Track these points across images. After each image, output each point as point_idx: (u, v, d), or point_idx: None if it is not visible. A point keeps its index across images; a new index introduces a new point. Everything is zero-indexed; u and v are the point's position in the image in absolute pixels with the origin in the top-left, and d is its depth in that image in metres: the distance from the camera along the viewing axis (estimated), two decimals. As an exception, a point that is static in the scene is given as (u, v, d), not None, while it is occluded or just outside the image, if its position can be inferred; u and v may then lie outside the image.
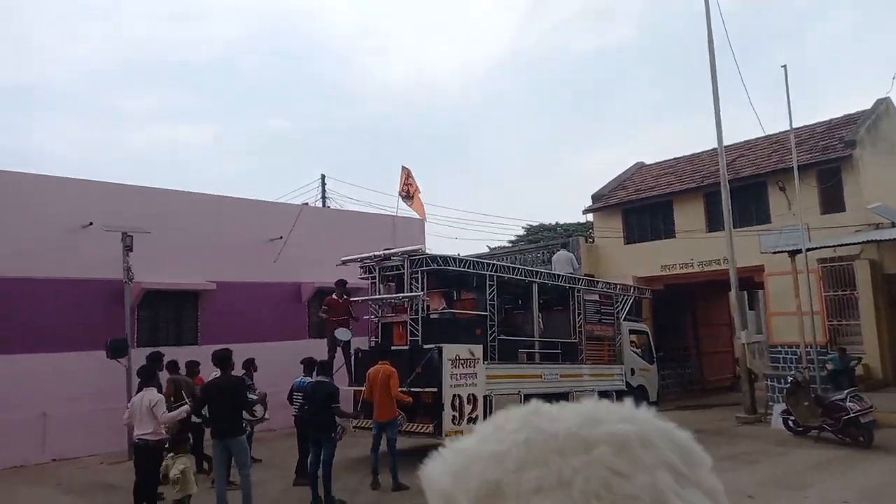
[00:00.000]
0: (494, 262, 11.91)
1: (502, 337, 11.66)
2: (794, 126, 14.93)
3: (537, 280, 12.48)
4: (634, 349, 14.50)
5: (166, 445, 7.75)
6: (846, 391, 11.01)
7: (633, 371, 14.11)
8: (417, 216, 17.07)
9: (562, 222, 32.91)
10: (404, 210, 16.32)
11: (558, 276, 13.21)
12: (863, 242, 14.65)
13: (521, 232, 32.99)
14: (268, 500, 8.28)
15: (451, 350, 10.44)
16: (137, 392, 7.69)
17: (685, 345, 22.34)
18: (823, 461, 9.77)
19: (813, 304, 14.43)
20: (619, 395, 13.59)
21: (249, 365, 11.04)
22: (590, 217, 23.25)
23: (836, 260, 16.20)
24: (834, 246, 14.84)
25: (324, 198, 22.59)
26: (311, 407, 8.33)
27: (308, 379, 9.56)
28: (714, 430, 13.42)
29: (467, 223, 74.18)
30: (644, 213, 20.99)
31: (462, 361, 10.57)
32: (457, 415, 10.33)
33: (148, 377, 7.67)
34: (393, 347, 10.51)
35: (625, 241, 21.18)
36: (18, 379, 11.55)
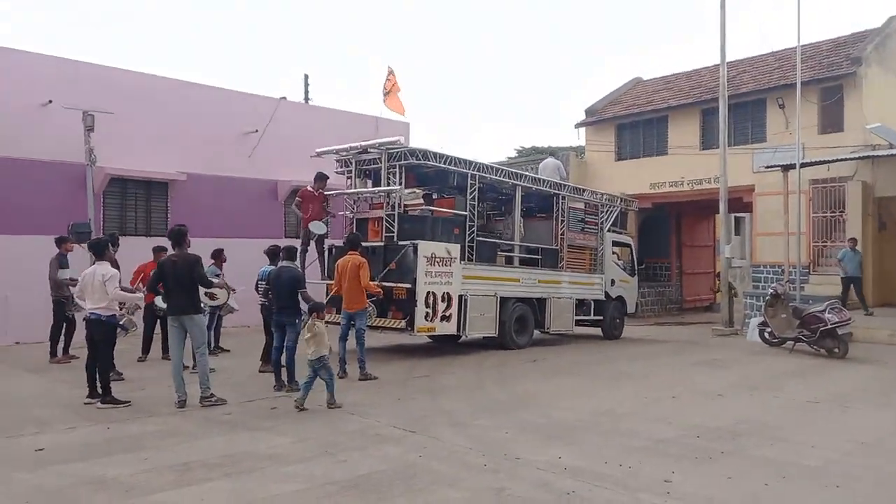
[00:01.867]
0: (477, 161, 11.36)
1: (481, 239, 11.32)
2: (801, 44, 14.16)
3: (521, 183, 12.01)
4: (616, 261, 14.25)
5: (121, 322, 7.44)
6: (826, 303, 10.85)
7: (612, 282, 13.91)
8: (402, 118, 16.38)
9: (554, 145, 32.41)
10: (390, 113, 15.60)
11: (543, 180, 12.73)
12: (858, 158, 14.20)
13: (513, 154, 32.62)
14: (233, 385, 8.10)
15: (427, 247, 10.15)
16: (90, 266, 7.30)
17: (667, 264, 22.28)
18: (796, 368, 9.71)
19: (800, 225, 14.15)
20: (597, 304, 13.48)
21: (218, 255, 10.72)
22: (584, 140, 22.50)
23: (829, 181, 15.82)
24: (828, 162, 14.38)
25: (307, 99, 21.66)
26: (276, 292, 8.02)
27: (273, 267, 9.20)
28: (689, 341, 13.45)
29: (456, 132, 72.25)
30: (638, 129, 20.35)
31: (438, 259, 10.30)
32: (430, 312, 10.15)
33: (100, 251, 7.25)
34: (366, 243, 10.14)
35: (616, 157, 20.66)
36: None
